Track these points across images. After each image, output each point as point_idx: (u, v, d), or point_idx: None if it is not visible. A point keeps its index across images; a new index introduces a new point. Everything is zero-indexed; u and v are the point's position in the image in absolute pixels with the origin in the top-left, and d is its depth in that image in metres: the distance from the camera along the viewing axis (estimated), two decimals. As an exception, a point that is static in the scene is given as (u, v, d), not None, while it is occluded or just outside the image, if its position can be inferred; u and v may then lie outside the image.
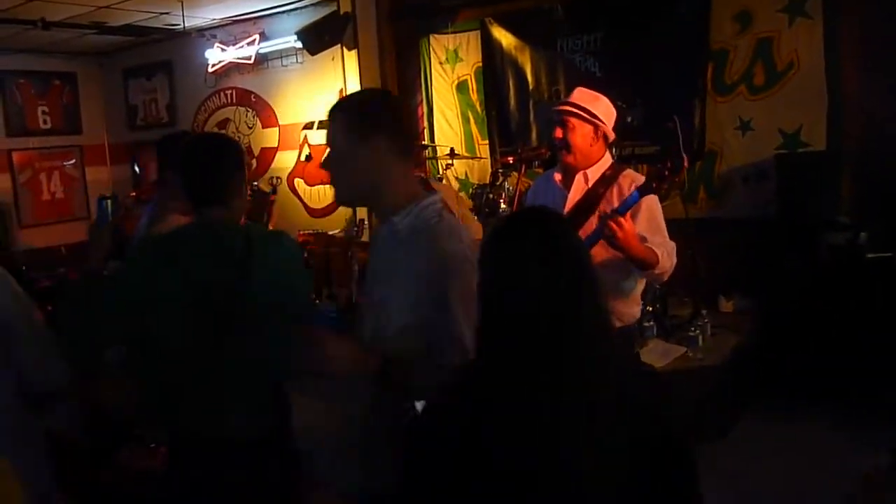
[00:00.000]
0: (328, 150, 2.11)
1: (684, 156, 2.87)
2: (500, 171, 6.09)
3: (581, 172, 3.23)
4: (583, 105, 3.16)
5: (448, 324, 1.92)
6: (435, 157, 7.29)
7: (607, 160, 3.26)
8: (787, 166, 5.52)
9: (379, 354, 1.89)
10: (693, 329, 4.90)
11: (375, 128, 2.03)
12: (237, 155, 2.41)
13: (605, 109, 3.20)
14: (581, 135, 3.17)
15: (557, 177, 3.34)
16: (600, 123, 3.18)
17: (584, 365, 1.42)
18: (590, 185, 3.20)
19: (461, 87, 7.47)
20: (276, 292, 2.26)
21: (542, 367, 1.40)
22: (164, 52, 9.40)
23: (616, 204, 3.05)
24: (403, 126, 2.12)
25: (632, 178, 3.15)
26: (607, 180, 3.17)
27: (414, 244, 2.01)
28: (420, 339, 1.95)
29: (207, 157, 2.33)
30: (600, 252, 2.89)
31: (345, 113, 2.09)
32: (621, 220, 2.77)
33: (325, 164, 2.11)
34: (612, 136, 3.25)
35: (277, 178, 7.03)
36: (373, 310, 2.08)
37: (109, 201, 2.49)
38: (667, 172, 2.85)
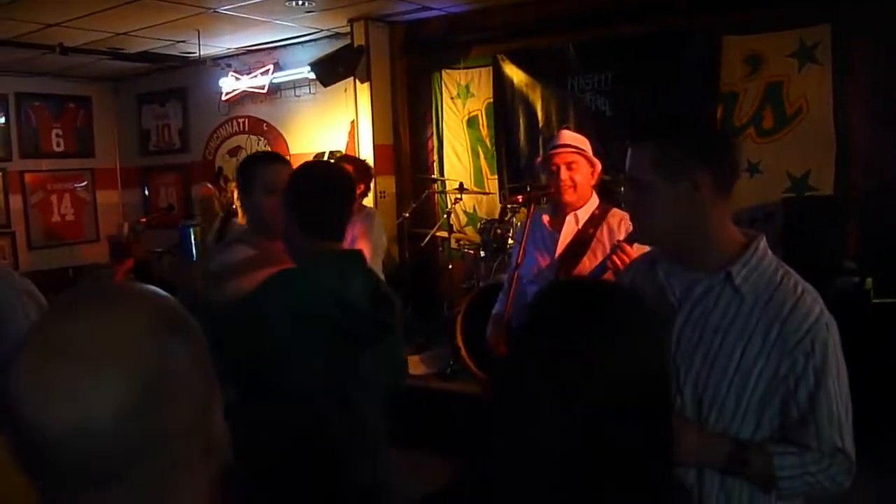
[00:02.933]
0: (629, 181, 1.82)
1: None
2: (509, 206, 6.13)
3: (571, 214, 3.32)
4: (580, 146, 3.25)
5: (823, 402, 1.68)
6: (444, 191, 7.33)
7: (595, 200, 3.36)
8: (795, 210, 5.54)
9: (728, 439, 1.69)
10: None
11: (699, 160, 1.73)
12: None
13: (591, 149, 3.34)
14: (584, 174, 3.28)
15: (546, 219, 3.41)
16: (595, 161, 3.30)
17: None
18: (580, 226, 3.29)
19: (472, 123, 7.52)
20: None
21: None
22: (179, 79, 9.50)
23: (607, 243, 3.15)
24: (731, 158, 1.80)
25: (620, 217, 3.24)
26: (596, 220, 3.27)
27: (771, 305, 1.71)
28: (775, 419, 1.72)
29: (344, 192, 2.35)
30: None
31: (659, 139, 1.78)
32: (629, 250, 2.80)
33: (626, 198, 1.85)
34: (598, 172, 3.36)
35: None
36: (700, 381, 1.74)
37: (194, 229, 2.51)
38: None
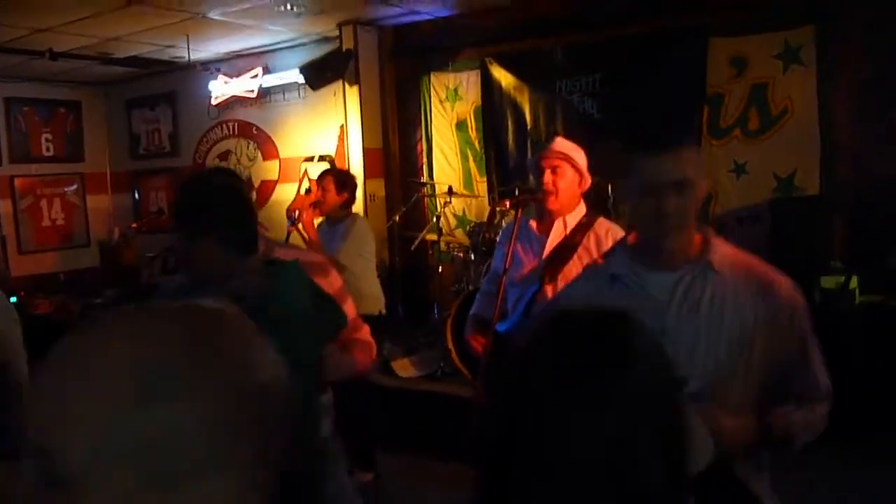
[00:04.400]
0: (676, 187, 1.84)
1: None
2: (498, 210, 6.16)
3: (560, 219, 3.37)
4: (569, 154, 3.29)
5: (813, 354, 1.91)
6: (434, 195, 7.36)
7: (583, 209, 3.41)
8: (781, 210, 5.59)
9: (748, 415, 1.79)
10: (686, 369, 4.92)
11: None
12: None
13: (583, 160, 3.37)
14: (568, 181, 3.32)
15: (533, 224, 3.46)
16: (584, 173, 3.35)
17: None
18: (568, 232, 3.33)
19: (460, 126, 7.55)
20: None
21: None
22: (168, 83, 9.50)
23: (594, 249, 3.21)
24: None
25: (607, 227, 3.33)
26: (584, 227, 3.32)
27: (750, 281, 1.89)
28: (769, 383, 1.86)
29: (248, 201, 2.24)
30: None
31: (689, 141, 1.96)
32: None
33: (680, 206, 1.84)
34: (588, 184, 3.41)
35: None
36: (707, 367, 1.83)
37: None
38: None
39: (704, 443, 1.32)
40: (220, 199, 2.18)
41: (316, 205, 5.06)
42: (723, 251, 1.93)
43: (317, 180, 5.23)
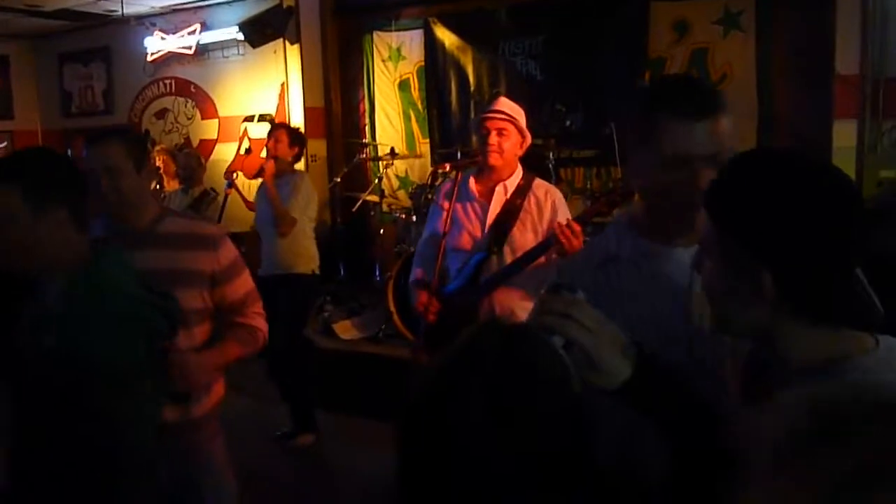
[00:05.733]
0: (711, 161, 1.49)
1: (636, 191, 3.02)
2: (440, 171, 6.13)
3: (500, 184, 3.35)
4: (513, 115, 3.28)
5: None
6: (377, 158, 7.28)
7: (520, 171, 3.41)
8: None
9: None
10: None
11: None
12: None
13: (524, 120, 3.37)
14: (512, 142, 3.31)
15: (473, 185, 3.44)
16: (526, 133, 3.34)
17: None
18: (508, 196, 3.34)
19: (403, 86, 7.49)
20: None
21: None
22: (102, 37, 9.20)
23: (535, 213, 3.27)
24: None
25: (545, 188, 3.36)
26: (522, 190, 3.33)
27: None
28: None
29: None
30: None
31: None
32: (577, 229, 2.89)
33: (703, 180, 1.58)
34: (528, 143, 3.41)
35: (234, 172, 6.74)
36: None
37: None
38: (619, 199, 2.98)
39: (617, 363, 1.30)
40: (69, 169, 1.99)
41: (277, 159, 4.98)
42: None
43: (269, 133, 5.14)
